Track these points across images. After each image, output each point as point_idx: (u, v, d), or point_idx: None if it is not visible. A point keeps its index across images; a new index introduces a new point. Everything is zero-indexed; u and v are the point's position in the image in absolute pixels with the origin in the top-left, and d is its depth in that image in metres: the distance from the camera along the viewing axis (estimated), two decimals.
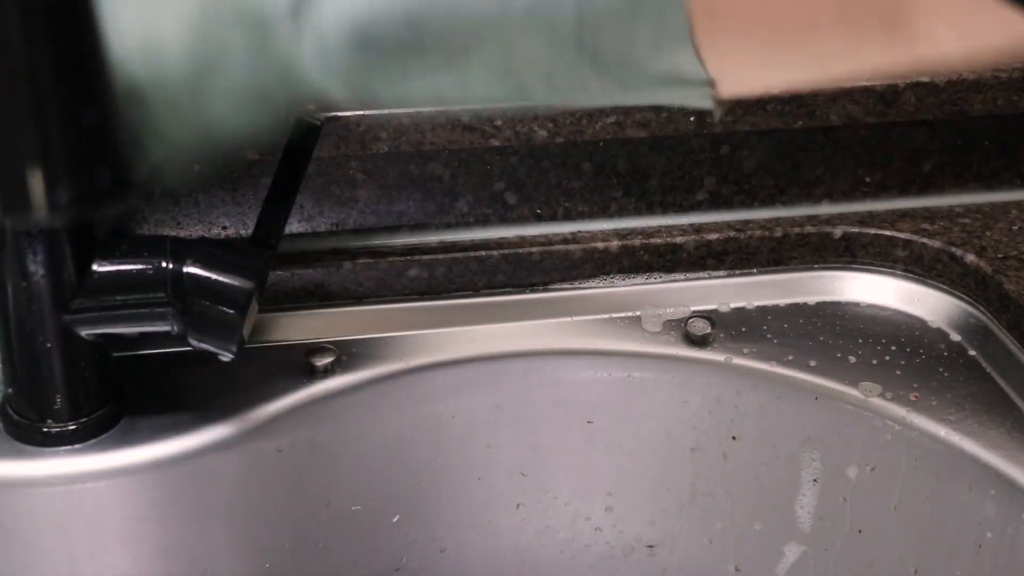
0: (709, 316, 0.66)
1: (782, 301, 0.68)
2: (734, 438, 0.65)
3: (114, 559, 0.58)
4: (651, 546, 0.69)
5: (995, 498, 0.58)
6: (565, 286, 0.68)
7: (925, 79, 0.68)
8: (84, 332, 0.53)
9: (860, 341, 0.65)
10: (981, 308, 0.66)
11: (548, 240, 0.68)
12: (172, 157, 0.49)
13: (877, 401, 0.61)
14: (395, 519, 0.65)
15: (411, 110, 0.63)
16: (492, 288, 0.67)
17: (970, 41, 0.43)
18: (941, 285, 0.68)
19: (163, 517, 0.58)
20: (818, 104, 0.67)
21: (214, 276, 0.51)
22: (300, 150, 0.57)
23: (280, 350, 0.63)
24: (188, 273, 0.51)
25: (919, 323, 0.67)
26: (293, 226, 0.67)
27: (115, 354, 0.58)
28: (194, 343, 0.53)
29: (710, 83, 0.43)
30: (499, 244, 0.67)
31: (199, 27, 0.44)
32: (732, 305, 0.67)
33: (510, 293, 0.67)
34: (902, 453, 0.61)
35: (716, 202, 0.71)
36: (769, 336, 0.65)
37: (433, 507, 0.66)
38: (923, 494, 0.61)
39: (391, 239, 0.68)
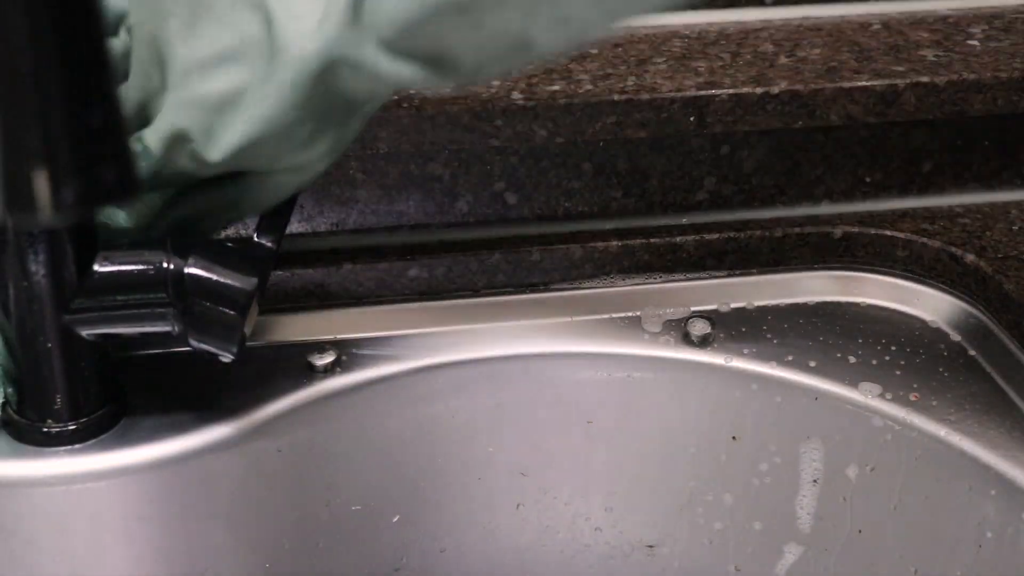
0: (709, 316, 0.66)
1: (782, 301, 0.68)
2: (734, 438, 0.65)
3: (114, 559, 0.58)
4: (651, 546, 0.69)
5: (995, 498, 0.58)
6: (565, 286, 0.68)
7: (925, 79, 0.68)
8: (84, 332, 0.53)
9: (860, 341, 0.65)
10: (981, 308, 0.66)
11: (548, 240, 0.67)
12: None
13: (877, 401, 0.61)
14: (395, 519, 0.65)
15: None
16: (492, 288, 0.67)
17: None
18: (941, 285, 0.68)
19: (163, 517, 0.58)
20: (818, 104, 0.67)
21: (215, 277, 0.51)
22: None
23: (280, 350, 0.63)
24: (189, 273, 0.51)
25: (919, 323, 0.67)
26: (293, 226, 0.67)
27: (115, 354, 0.58)
28: (194, 343, 0.53)
29: None
30: (499, 244, 0.67)
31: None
32: (732, 305, 0.67)
33: (510, 293, 0.67)
34: (902, 453, 0.61)
35: (716, 202, 0.71)
36: (769, 336, 0.65)
37: (433, 507, 0.66)
38: (923, 494, 0.61)
39: (391, 239, 0.68)
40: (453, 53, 0.45)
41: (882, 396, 0.61)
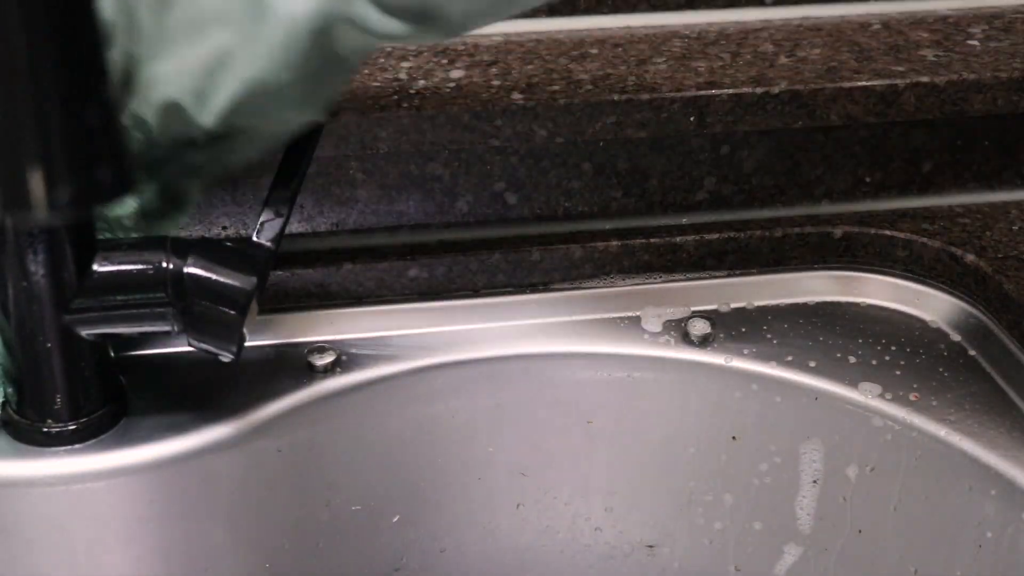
0: (709, 316, 0.66)
1: (782, 301, 0.68)
2: (734, 438, 0.65)
3: (114, 559, 0.58)
4: (651, 546, 0.69)
5: (995, 498, 0.58)
6: (565, 286, 0.68)
7: (925, 79, 0.68)
8: (84, 332, 0.53)
9: (860, 341, 0.65)
10: (981, 308, 0.66)
11: (548, 240, 0.67)
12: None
13: (877, 401, 0.61)
14: (395, 519, 0.65)
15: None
16: (492, 288, 0.67)
17: None
18: (941, 285, 0.68)
19: (163, 517, 0.58)
20: (818, 104, 0.67)
21: (214, 276, 0.51)
22: (300, 150, 0.57)
23: (280, 350, 0.63)
24: (188, 273, 0.51)
25: (919, 323, 0.67)
26: (293, 226, 0.67)
27: (115, 354, 0.58)
28: (194, 343, 0.53)
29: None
30: (499, 244, 0.67)
31: None
32: (732, 305, 0.67)
33: (510, 293, 0.67)
34: (902, 453, 0.61)
35: (716, 202, 0.71)
36: (769, 336, 0.65)
37: (433, 507, 0.66)
38: (923, 494, 0.61)
39: (391, 239, 0.68)
40: (441, 5, 0.45)
41: (882, 396, 0.61)
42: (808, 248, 0.69)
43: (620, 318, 0.66)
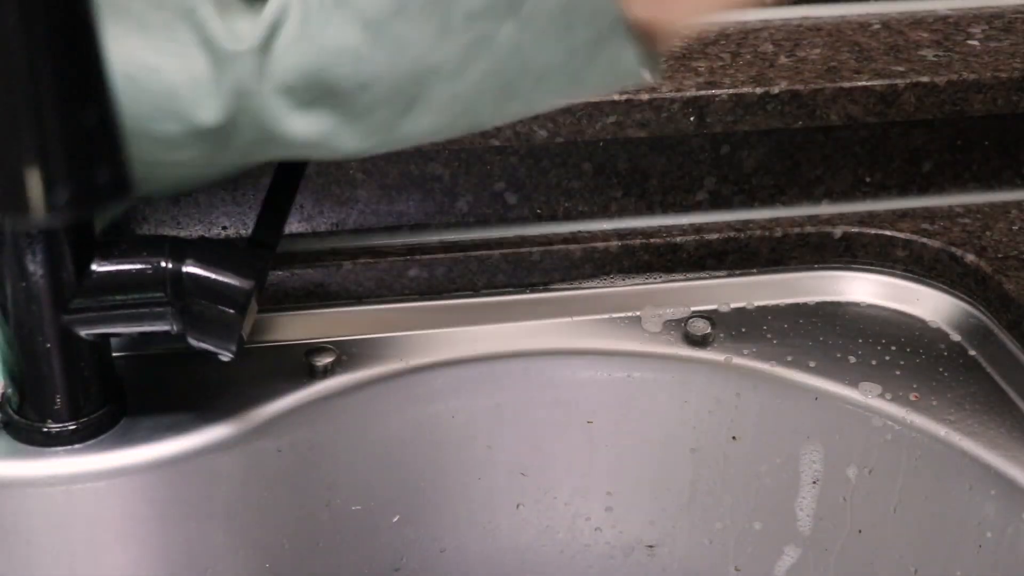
0: (709, 316, 0.66)
1: (782, 301, 0.68)
2: (734, 438, 0.65)
3: (114, 559, 0.58)
4: (651, 546, 0.69)
5: (995, 498, 0.58)
6: (565, 286, 0.68)
7: (925, 79, 0.68)
8: (84, 332, 0.53)
9: (860, 341, 0.65)
10: (981, 308, 0.66)
11: (548, 240, 0.68)
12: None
13: (877, 401, 0.61)
14: (395, 519, 0.65)
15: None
16: (492, 288, 0.67)
17: None
18: (941, 285, 0.68)
19: (163, 517, 0.58)
20: (818, 104, 0.67)
21: (213, 276, 0.51)
22: None
23: (280, 350, 0.63)
24: (187, 273, 0.51)
25: (919, 323, 0.67)
26: (293, 226, 0.67)
27: (115, 354, 0.58)
28: (194, 343, 0.53)
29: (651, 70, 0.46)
30: (499, 244, 0.67)
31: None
32: (732, 305, 0.67)
33: (510, 293, 0.67)
34: (902, 453, 0.61)
35: (716, 202, 0.71)
36: (769, 336, 0.65)
37: (433, 507, 0.66)
38: (923, 494, 0.61)
39: (391, 239, 0.68)
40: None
41: (882, 396, 0.61)
42: (808, 248, 0.69)
43: (620, 318, 0.66)
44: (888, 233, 0.69)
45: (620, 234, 0.68)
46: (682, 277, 0.68)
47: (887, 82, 0.68)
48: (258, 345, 0.63)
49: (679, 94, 0.66)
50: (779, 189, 0.71)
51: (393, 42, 0.45)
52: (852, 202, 0.72)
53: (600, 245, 0.67)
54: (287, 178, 0.57)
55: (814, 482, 0.65)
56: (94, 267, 0.51)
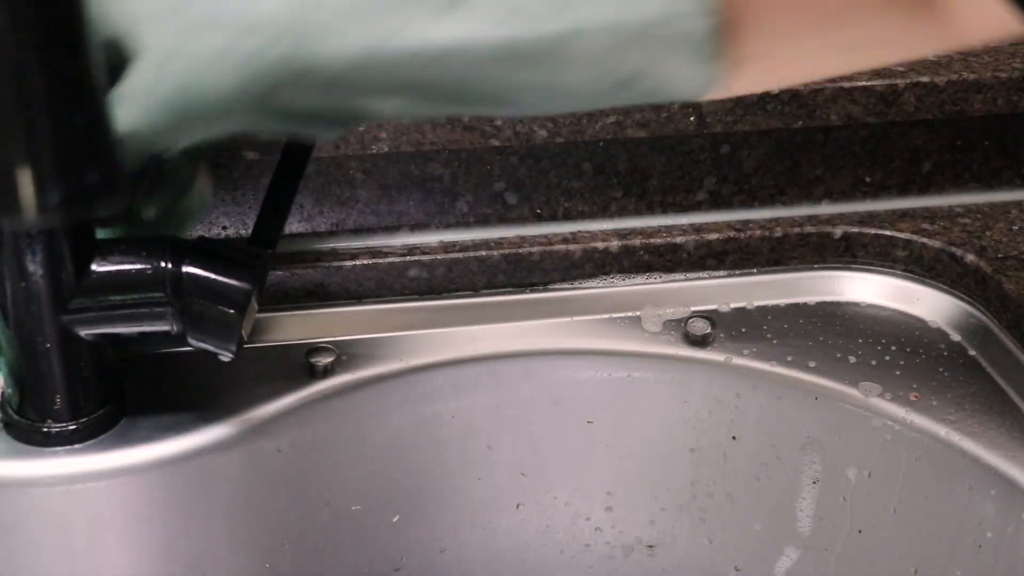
0: (709, 316, 0.66)
1: (782, 301, 0.68)
2: (734, 438, 0.65)
3: (114, 559, 0.58)
4: (651, 546, 0.69)
5: (995, 498, 0.58)
6: (565, 286, 0.68)
7: (925, 79, 0.68)
8: (83, 332, 0.53)
9: (860, 341, 0.65)
10: (981, 308, 0.66)
11: (548, 240, 0.68)
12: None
13: (877, 401, 0.61)
14: (395, 519, 0.65)
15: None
16: (492, 288, 0.67)
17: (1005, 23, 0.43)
18: (941, 285, 0.68)
19: (163, 517, 0.58)
20: (818, 104, 0.67)
21: (213, 276, 0.51)
22: (299, 150, 0.57)
23: (280, 350, 0.63)
24: (187, 273, 0.51)
25: (919, 323, 0.67)
26: (293, 226, 0.67)
27: (115, 354, 0.58)
28: (194, 343, 0.53)
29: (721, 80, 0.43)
30: (499, 244, 0.67)
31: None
32: (732, 305, 0.67)
33: (510, 293, 0.67)
34: (902, 453, 0.61)
35: (716, 202, 0.71)
36: (769, 336, 0.65)
37: (433, 507, 0.66)
38: (923, 494, 0.61)
39: (391, 239, 0.68)
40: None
41: (882, 396, 0.61)
42: (808, 248, 0.69)
43: (620, 318, 0.66)
44: (888, 233, 0.69)
45: (620, 234, 0.68)
46: (682, 277, 0.68)
47: (887, 82, 0.68)
48: (258, 345, 0.63)
49: None
50: (779, 189, 0.71)
51: None
52: (852, 202, 0.72)
53: (600, 245, 0.67)
54: (287, 178, 0.57)
55: (814, 482, 0.65)
56: (94, 267, 0.51)
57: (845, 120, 0.68)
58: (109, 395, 0.56)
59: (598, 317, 0.66)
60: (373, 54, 0.43)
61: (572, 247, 0.67)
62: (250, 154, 0.63)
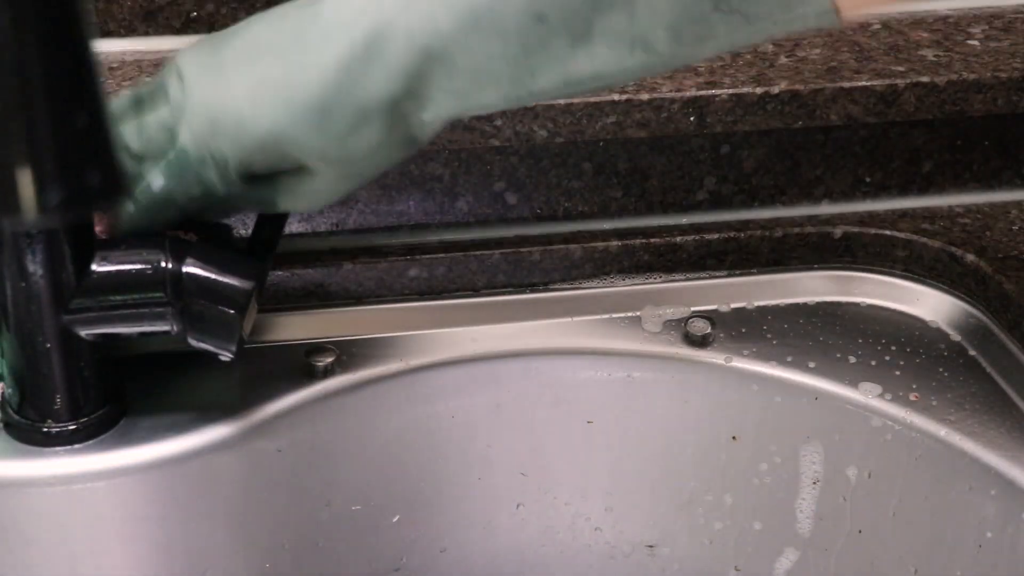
0: (709, 316, 0.66)
1: (782, 301, 0.68)
2: (734, 438, 0.65)
3: (114, 559, 0.58)
4: (651, 546, 0.69)
5: (995, 498, 0.58)
6: (565, 286, 0.68)
7: (925, 79, 0.68)
8: (84, 332, 0.53)
9: (860, 341, 0.65)
10: (981, 308, 0.66)
11: (548, 240, 0.68)
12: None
13: (877, 401, 0.61)
14: (395, 519, 0.65)
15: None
16: (492, 288, 0.67)
17: None
18: (941, 285, 0.68)
19: (163, 517, 0.58)
20: (818, 104, 0.67)
21: (213, 276, 0.51)
22: None
23: (280, 350, 0.63)
24: (187, 273, 0.51)
25: (919, 323, 0.67)
26: (293, 226, 0.67)
27: (115, 354, 0.58)
28: (194, 343, 0.53)
29: (834, 7, 0.45)
30: (499, 244, 0.67)
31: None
32: (732, 305, 0.67)
33: (510, 293, 0.67)
34: (902, 453, 0.61)
35: (716, 202, 0.71)
36: (769, 336, 0.65)
37: (433, 507, 0.66)
38: (923, 494, 0.61)
39: (391, 239, 0.68)
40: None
41: (882, 396, 0.61)
42: (808, 248, 0.69)
43: (620, 318, 0.66)
44: (888, 233, 0.69)
45: (620, 234, 0.68)
46: (682, 277, 0.68)
47: (887, 82, 0.68)
48: (258, 345, 0.63)
49: (679, 94, 0.66)
50: (779, 189, 0.71)
51: None
52: (852, 202, 0.72)
53: (600, 245, 0.67)
54: None
55: (814, 482, 0.65)
56: (94, 267, 0.51)
57: (845, 120, 0.68)
58: (109, 395, 0.56)
59: (598, 317, 0.66)
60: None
61: (572, 247, 0.67)
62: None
